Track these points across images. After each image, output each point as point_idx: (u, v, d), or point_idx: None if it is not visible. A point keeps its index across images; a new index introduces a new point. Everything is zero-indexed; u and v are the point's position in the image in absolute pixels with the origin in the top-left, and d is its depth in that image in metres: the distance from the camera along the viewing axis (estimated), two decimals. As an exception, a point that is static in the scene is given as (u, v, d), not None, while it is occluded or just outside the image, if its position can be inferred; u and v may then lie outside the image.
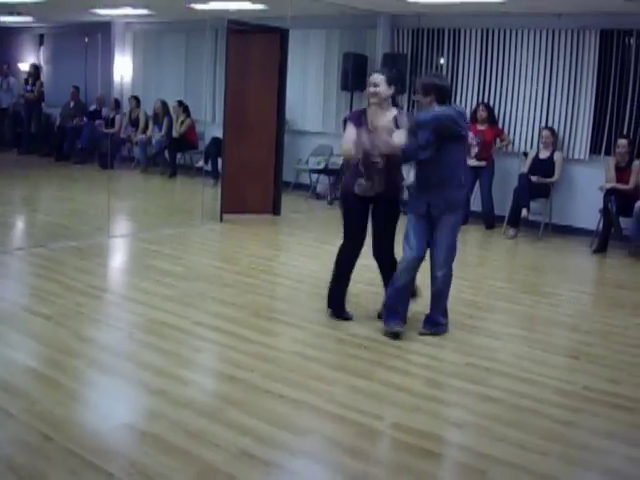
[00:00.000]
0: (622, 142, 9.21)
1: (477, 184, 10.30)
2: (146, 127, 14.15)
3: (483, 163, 10.22)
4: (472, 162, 10.02)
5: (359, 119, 5.58)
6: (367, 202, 5.64)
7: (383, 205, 5.61)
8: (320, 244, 8.63)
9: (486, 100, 10.69)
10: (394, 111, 5.51)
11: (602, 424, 4.22)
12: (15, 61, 15.80)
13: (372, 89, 5.45)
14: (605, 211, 9.08)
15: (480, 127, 10.31)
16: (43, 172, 13.41)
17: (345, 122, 5.72)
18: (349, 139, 5.51)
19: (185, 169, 13.66)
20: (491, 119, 10.39)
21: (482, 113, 10.34)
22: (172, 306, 5.98)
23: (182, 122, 13.46)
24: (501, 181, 10.46)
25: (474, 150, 10.17)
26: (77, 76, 14.62)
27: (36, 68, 15.10)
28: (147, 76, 14.78)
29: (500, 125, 10.61)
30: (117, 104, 14.36)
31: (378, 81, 5.45)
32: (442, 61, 11.32)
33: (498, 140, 10.41)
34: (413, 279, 5.57)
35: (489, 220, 10.28)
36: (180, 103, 13.49)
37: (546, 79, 10.31)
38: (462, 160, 5.56)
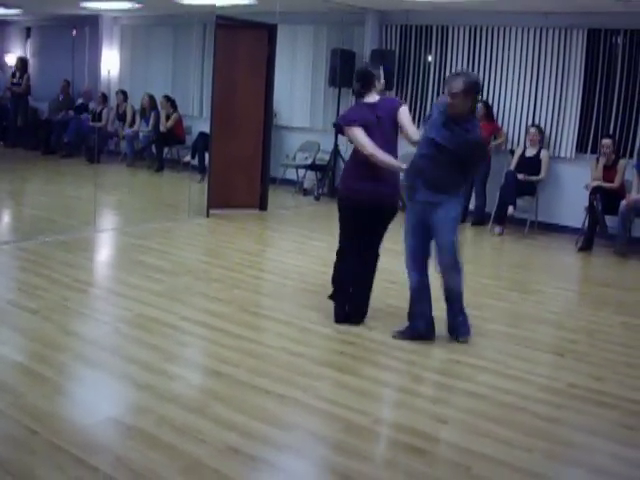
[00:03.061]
0: (607, 142, 9.24)
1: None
2: (133, 121, 14.11)
3: None
4: None
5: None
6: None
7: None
8: (307, 240, 8.63)
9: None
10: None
11: (586, 421, 4.25)
12: (1, 54, 15.72)
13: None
14: (591, 209, 9.12)
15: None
16: (30, 166, 13.35)
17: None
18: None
19: (172, 164, 13.63)
20: (489, 116, 10.40)
21: (480, 111, 10.35)
22: (159, 301, 5.98)
23: (169, 117, 13.42)
24: (488, 179, 10.48)
25: None
26: (64, 70, 14.55)
27: (23, 61, 15.02)
28: (135, 70, 14.74)
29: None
30: (104, 98, 14.32)
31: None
32: (430, 58, 11.33)
33: (494, 137, 10.42)
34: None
35: (479, 217, 10.29)
36: (167, 98, 13.45)
37: (533, 77, 10.34)
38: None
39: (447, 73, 11.01)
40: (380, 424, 4.10)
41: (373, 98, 5.48)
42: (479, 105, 10.39)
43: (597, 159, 9.36)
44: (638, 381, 4.93)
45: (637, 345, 5.70)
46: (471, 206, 10.36)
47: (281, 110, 12.44)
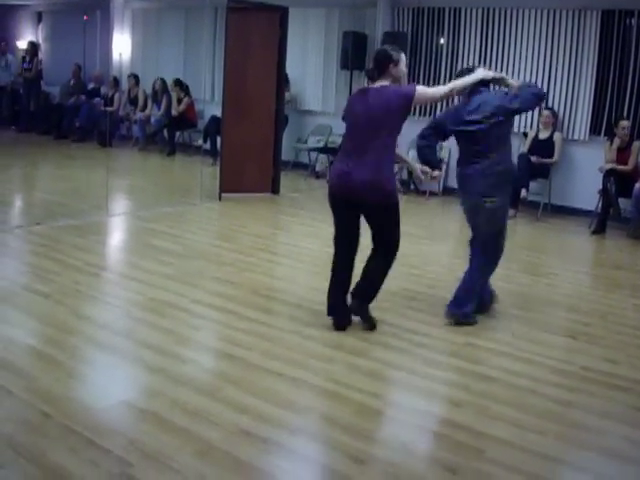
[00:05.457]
0: (624, 123, 9.18)
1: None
2: (145, 105, 14.11)
3: None
4: None
5: None
6: None
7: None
8: (319, 223, 8.61)
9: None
10: None
11: (599, 404, 4.24)
12: (13, 39, 15.70)
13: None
14: (604, 192, 9.08)
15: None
16: (42, 150, 13.37)
17: None
18: None
19: (184, 147, 13.64)
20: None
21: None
22: (171, 284, 5.98)
23: (181, 100, 13.40)
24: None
25: None
26: (76, 54, 14.53)
27: (34, 46, 15.01)
28: (146, 54, 14.72)
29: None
30: (116, 82, 14.32)
31: None
32: (442, 40, 11.27)
33: None
34: None
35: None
36: (178, 81, 13.43)
37: (547, 59, 10.27)
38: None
39: (460, 56, 10.97)
40: (392, 407, 4.10)
41: (381, 84, 5.04)
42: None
43: (611, 141, 9.30)
44: (651, 364, 4.92)
45: (651, 328, 5.69)
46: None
47: (293, 93, 12.40)
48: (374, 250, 5.22)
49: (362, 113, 4.98)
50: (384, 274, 5.25)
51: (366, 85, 5.34)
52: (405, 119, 4.99)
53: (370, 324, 5.23)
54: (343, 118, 5.20)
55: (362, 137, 4.96)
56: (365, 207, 5.03)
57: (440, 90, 5.19)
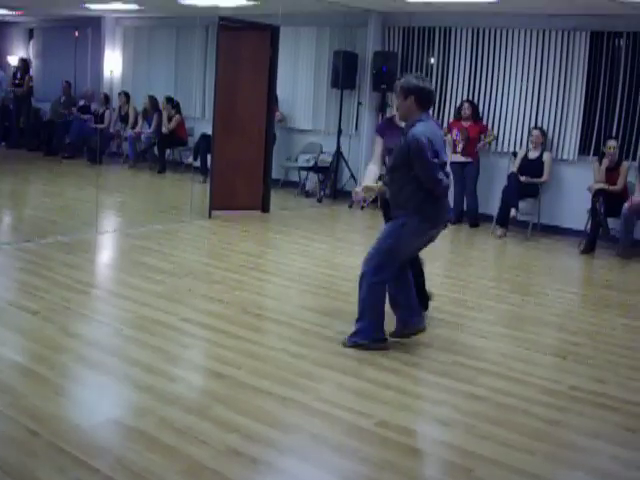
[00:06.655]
0: (612, 143, 9.22)
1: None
2: (135, 123, 14.12)
3: (469, 159, 10.28)
4: (458, 158, 10.15)
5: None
6: None
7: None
8: (309, 242, 8.62)
9: (476, 99, 10.71)
10: None
11: (588, 424, 4.24)
12: (4, 55, 15.76)
13: None
14: (593, 212, 9.11)
15: (465, 123, 10.35)
16: (31, 167, 13.34)
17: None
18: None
19: (174, 165, 13.65)
20: (475, 115, 10.43)
21: (466, 110, 10.37)
22: (160, 302, 5.97)
23: (171, 118, 13.42)
24: (490, 180, 10.49)
25: (460, 146, 10.25)
26: (67, 71, 14.58)
27: (25, 62, 15.05)
28: (137, 72, 14.75)
29: (490, 124, 10.64)
30: (107, 99, 14.33)
31: None
32: (432, 60, 11.33)
33: (482, 136, 10.41)
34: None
35: (473, 218, 10.34)
36: (169, 99, 13.45)
37: (536, 79, 10.33)
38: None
39: (450, 75, 11.03)
40: (382, 426, 4.09)
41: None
42: (465, 104, 10.43)
43: (599, 161, 9.34)
44: (639, 383, 4.93)
45: (639, 347, 5.69)
46: (465, 207, 10.45)
47: (284, 111, 12.43)
48: None
49: None
50: None
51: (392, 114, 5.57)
52: None
53: None
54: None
55: None
56: None
57: None
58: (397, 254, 5.13)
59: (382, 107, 11.55)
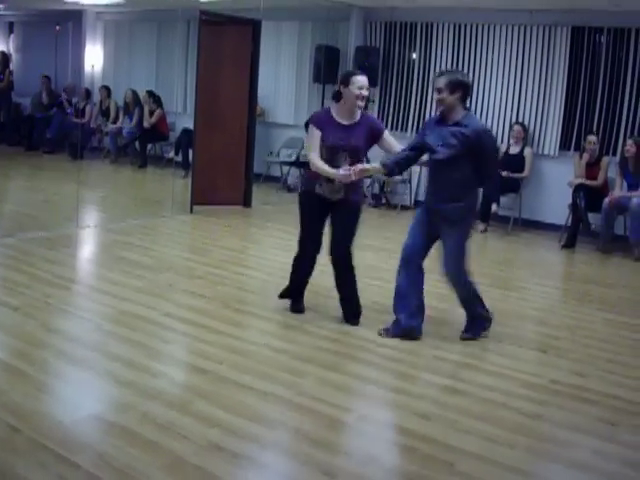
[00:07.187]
0: (592, 138, 9.28)
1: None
2: (117, 117, 14.05)
3: None
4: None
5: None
6: (327, 204, 5.53)
7: (344, 209, 5.52)
8: (291, 236, 8.56)
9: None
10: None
11: (568, 417, 4.27)
12: (-16, 49, 15.60)
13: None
14: (574, 207, 9.16)
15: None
16: (12, 162, 13.27)
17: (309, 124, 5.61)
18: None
19: (155, 160, 13.60)
20: None
21: None
22: (141, 297, 5.96)
23: (152, 112, 13.36)
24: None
25: None
26: (47, 65, 14.46)
27: (5, 56, 14.91)
28: (118, 66, 14.67)
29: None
30: (88, 94, 14.25)
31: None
32: (414, 55, 11.35)
33: None
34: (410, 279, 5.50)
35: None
36: (150, 93, 13.40)
37: (517, 75, 10.38)
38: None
39: (432, 71, 11.05)
40: (363, 421, 4.10)
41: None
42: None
43: (580, 155, 9.39)
44: (619, 377, 4.96)
45: (619, 341, 5.73)
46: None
47: (265, 106, 12.42)
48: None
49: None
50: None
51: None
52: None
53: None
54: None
55: None
56: None
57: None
58: (465, 247, 5.44)
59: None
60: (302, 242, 5.71)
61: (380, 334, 5.42)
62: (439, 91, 5.12)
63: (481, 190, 5.72)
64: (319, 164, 5.36)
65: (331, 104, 5.57)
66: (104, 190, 11.41)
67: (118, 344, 4.95)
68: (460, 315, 5.76)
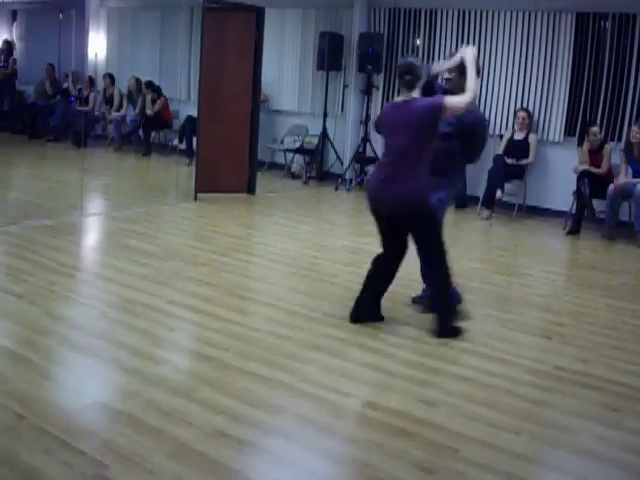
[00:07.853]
0: (594, 130, 9.23)
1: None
2: (120, 105, 14.05)
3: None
4: None
5: None
6: None
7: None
8: (295, 224, 8.62)
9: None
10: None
11: (572, 403, 4.27)
12: (-13, 37, 15.59)
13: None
14: (579, 193, 9.14)
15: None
16: (16, 150, 13.26)
17: None
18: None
19: (159, 147, 13.58)
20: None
21: None
22: (146, 285, 5.96)
23: (155, 100, 13.33)
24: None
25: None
26: (51, 53, 14.46)
27: (9, 44, 14.92)
28: (122, 54, 14.66)
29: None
30: (91, 82, 14.24)
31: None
32: (418, 42, 11.31)
33: None
34: None
35: (460, 200, 10.31)
36: (149, 84, 13.35)
37: (522, 61, 10.33)
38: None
39: (436, 57, 11.00)
40: (368, 407, 4.11)
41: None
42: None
43: (579, 143, 9.40)
44: (623, 363, 4.96)
45: (622, 328, 5.73)
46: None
47: (269, 93, 12.40)
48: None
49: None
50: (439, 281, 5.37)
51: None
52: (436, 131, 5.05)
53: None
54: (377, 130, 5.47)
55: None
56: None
57: (466, 98, 5.06)
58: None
59: (368, 89, 11.50)
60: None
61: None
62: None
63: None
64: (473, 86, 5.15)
65: None
66: (108, 178, 11.41)
67: (123, 332, 4.95)
68: (466, 302, 5.76)
